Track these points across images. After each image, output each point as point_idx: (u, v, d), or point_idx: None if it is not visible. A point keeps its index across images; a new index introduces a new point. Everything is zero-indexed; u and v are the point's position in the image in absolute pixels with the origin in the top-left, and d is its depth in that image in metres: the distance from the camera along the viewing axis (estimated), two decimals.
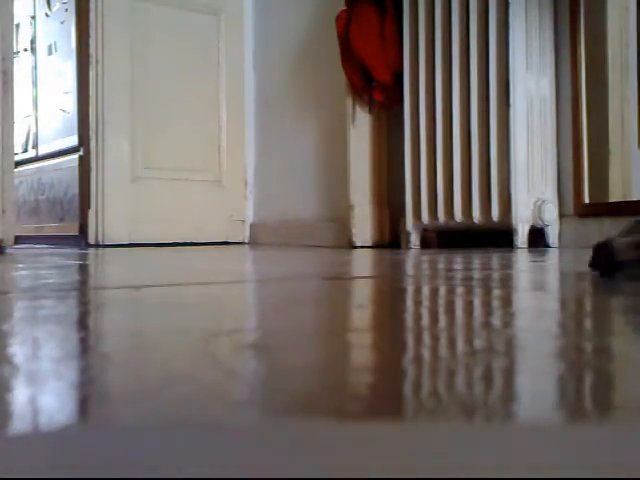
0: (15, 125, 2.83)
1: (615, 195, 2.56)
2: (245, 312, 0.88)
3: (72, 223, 3.56)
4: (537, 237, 2.57)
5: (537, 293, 1.04)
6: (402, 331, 0.65)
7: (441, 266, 1.66)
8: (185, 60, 3.67)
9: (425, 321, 0.72)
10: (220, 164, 3.79)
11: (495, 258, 1.96)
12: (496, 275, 1.35)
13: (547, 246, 2.57)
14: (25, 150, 4.03)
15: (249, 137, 3.86)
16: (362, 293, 1.09)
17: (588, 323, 0.72)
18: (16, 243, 2.83)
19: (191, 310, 0.83)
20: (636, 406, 0.37)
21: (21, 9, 3.86)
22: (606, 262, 1.09)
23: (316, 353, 0.55)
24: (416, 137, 2.81)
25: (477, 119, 2.59)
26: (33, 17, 3.95)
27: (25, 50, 4.01)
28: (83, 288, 1.20)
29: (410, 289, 1.10)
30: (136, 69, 3.52)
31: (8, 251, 2.68)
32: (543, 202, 2.53)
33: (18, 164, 3.53)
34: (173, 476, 0.26)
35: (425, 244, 2.90)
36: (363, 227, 3.11)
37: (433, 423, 0.34)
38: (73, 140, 3.54)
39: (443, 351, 0.53)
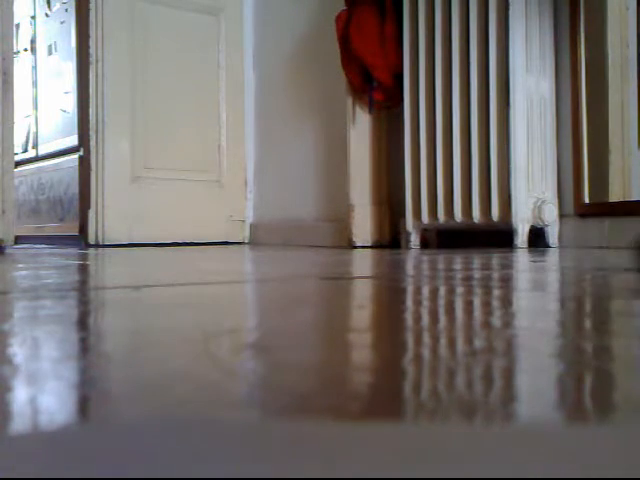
0: (15, 125, 2.83)
1: (615, 195, 2.56)
2: (245, 312, 0.88)
3: (72, 223, 3.56)
4: (537, 237, 2.57)
5: (537, 293, 1.04)
6: (402, 331, 0.65)
7: (441, 266, 1.66)
8: (185, 60, 3.66)
9: (425, 321, 0.72)
10: (220, 164, 3.79)
11: (495, 258, 1.96)
12: (496, 275, 1.35)
13: (547, 246, 2.57)
14: (25, 150, 4.03)
15: (249, 137, 3.86)
16: (362, 293, 1.09)
17: (588, 323, 0.72)
18: (16, 243, 2.83)
19: (191, 310, 0.83)
20: (636, 406, 0.37)
21: (21, 9, 3.86)
22: None
23: (316, 353, 0.55)
24: (416, 137, 2.81)
25: (477, 119, 2.59)
26: (33, 17, 3.95)
27: (25, 50, 4.01)
28: (83, 288, 1.20)
29: (410, 289, 1.10)
30: (136, 69, 3.52)
31: (8, 251, 2.68)
32: (543, 202, 2.53)
33: (18, 164, 3.53)
34: (173, 476, 0.26)
35: (425, 244, 2.90)
36: (363, 227, 3.11)
37: (433, 423, 0.34)
38: (73, 140, 3.54)
39: (443, 351, 0.53)
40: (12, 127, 2.74)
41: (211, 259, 2.29)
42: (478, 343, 0.56)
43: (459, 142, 2.65)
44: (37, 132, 3.95)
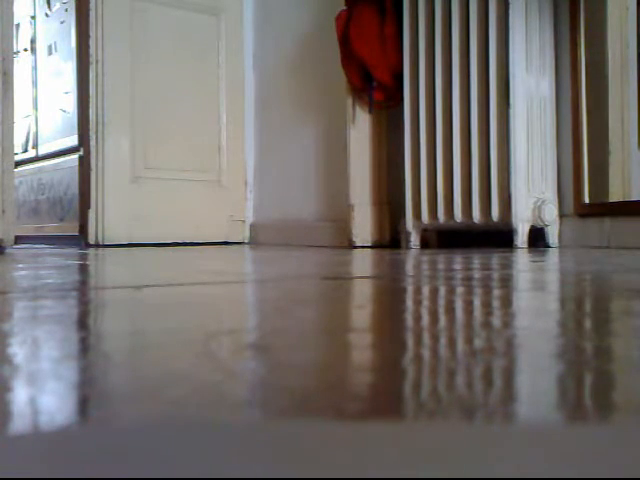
0: (15, 125, 2.83)
1: (615, 195, 2.56)
2: (245, 312, 0.88)
3: (72, 223, 3.56)
4: (537, 237, 2.58)
5: (537, 293, 1.04)
6: (402, 331, 0.65)
7: (441, 266, 1.66)
8: (185, 60, 3.67)
9: (425, 321, 0.72)
10: (220, 164, 3.79)
11: (495, 258, 1.96)
12: (496, 275, 1.35)
13: (547, 246, 2.57)
14: (25, 150, 4.03)
15: (249, 137, 3.86)
16: (362, 293, 1.09)
17: (588, 323, 0.72)
18: (16, 243, 2.83)
19: (191, 310, 0.83)
20: (636, 406, 0.37)
21: (21, 9, 3.86)
22: None
23: (316, 353, 0.55)
24: (416, 137, 2.81)
25: (477, 119, 2.59)
26: (33, 17, 3.95)
27: (25, 50, 4.01)
28: (83, 288, 1.20)
29: (410, 289, 1.10)
30: (136, 69, 3.52)
31: (8, 251, 2.68)
32: (543, 202, 2.53)
33: (18, 164, 3.53)
34: (173, 476, 0.26)
35: (425, 244, 2.90)
36: (363, 227, 3.11)
37: (433, 423, 0.34)
38: (73, 140, 3.54)
39: (443, 351, 0.53)
40: (12, 127, 2.74)
41: (211, 259, 2.29)
42: (478, 343, 0.56)
43: (459, 142, 2.65)
44: (37, 132, 3.95)
